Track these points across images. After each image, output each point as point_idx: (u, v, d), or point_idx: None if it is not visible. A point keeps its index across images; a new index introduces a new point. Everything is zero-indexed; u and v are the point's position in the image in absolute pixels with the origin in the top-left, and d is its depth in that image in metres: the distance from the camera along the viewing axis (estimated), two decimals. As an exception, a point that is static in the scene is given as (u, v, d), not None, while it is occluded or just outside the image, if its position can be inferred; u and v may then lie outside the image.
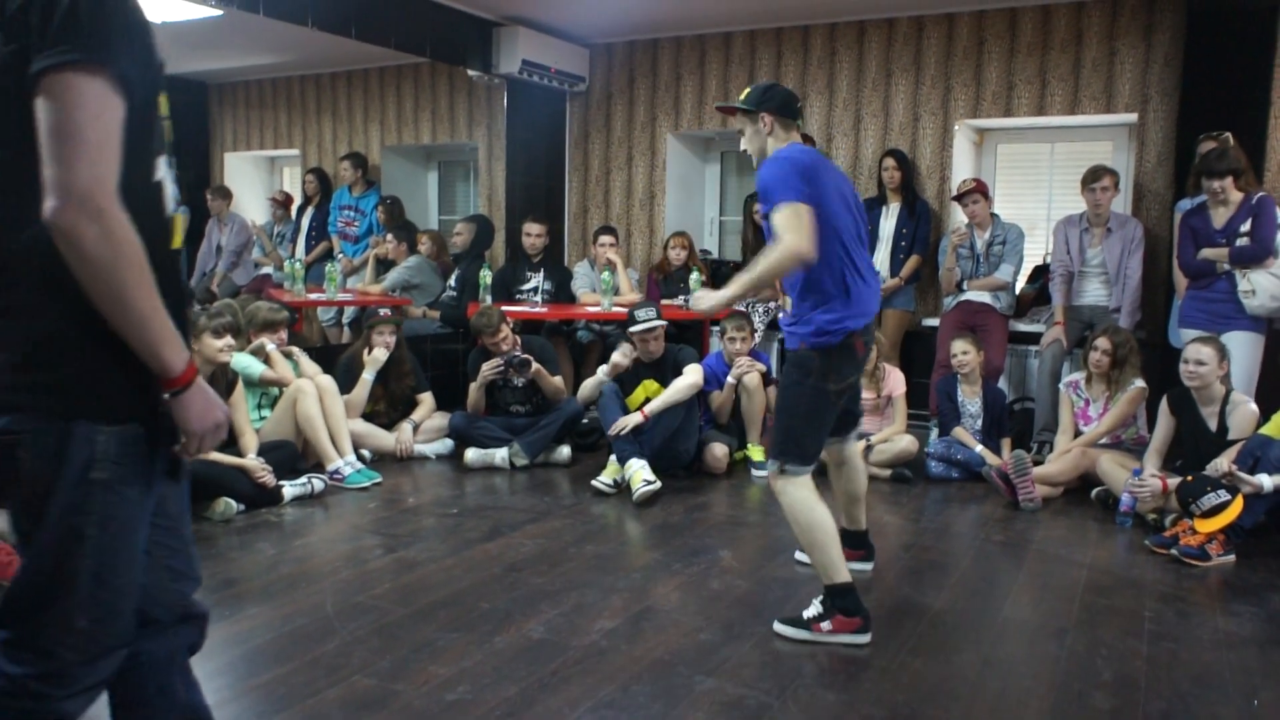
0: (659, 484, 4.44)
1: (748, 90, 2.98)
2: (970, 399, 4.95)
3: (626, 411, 4.74)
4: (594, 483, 4.55)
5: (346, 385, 4.93)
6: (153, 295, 1.37)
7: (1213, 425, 4.11)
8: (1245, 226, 4.43)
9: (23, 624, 1.43)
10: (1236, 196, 4.46)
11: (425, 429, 5.22)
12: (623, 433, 4.58)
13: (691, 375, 4.76)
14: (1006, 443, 4.90)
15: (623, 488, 4.49)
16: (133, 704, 1.61)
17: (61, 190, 1.27)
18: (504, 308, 5.34)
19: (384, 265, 6.78)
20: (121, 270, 1.33)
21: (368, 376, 5.01)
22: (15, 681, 1.42)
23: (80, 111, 1.27)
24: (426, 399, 5.27)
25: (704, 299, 3.04)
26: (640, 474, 4.45)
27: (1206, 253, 4.52)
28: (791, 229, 2.71)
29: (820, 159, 2.97)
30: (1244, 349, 4.44)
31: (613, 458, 4.61)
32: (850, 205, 2.97)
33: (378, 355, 5.02)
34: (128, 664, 1.53)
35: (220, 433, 1.51)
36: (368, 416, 5.08)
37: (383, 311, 5.28)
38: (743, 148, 3.03)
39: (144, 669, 1.58)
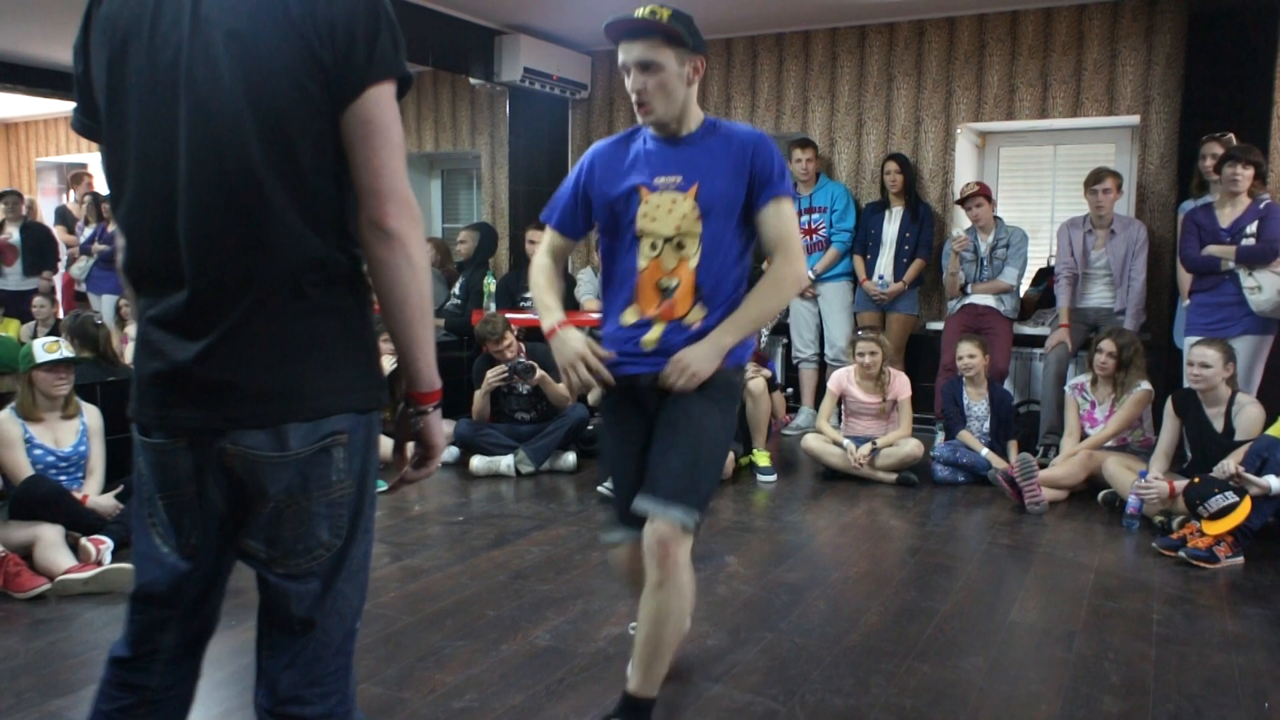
0: None
1: (665, 11, 2.16)
2: (976, 401, 4.94)
3: None
4: (599, 489, 4.55)
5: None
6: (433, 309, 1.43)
7: (1219, 426, 4.10)
8: (1251, 228, 4.42)
9: (316, 657, 1.43)
10: (1246, 200, 4.46)
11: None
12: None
13: None
14: (1014, 445, 4.89)
15: None
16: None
17: (390, 196, 1.33)
18: (508, 315, 5.35)
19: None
20: (427, 276, 1.39)
21: None
22: (324, 717, 1.45)
23: (398, 123, 1.35)
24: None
25: (699, 359, 2.16)
26: None
27: (1212, 249, 4.51)
28: (799, 246, 2.24)
29: None
30: (1249, 352, 4.45)
31: None
32: None
33: (384, 364, 5.02)
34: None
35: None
36: None
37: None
38: (635, 91, 2.18)
39: None
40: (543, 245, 2.44)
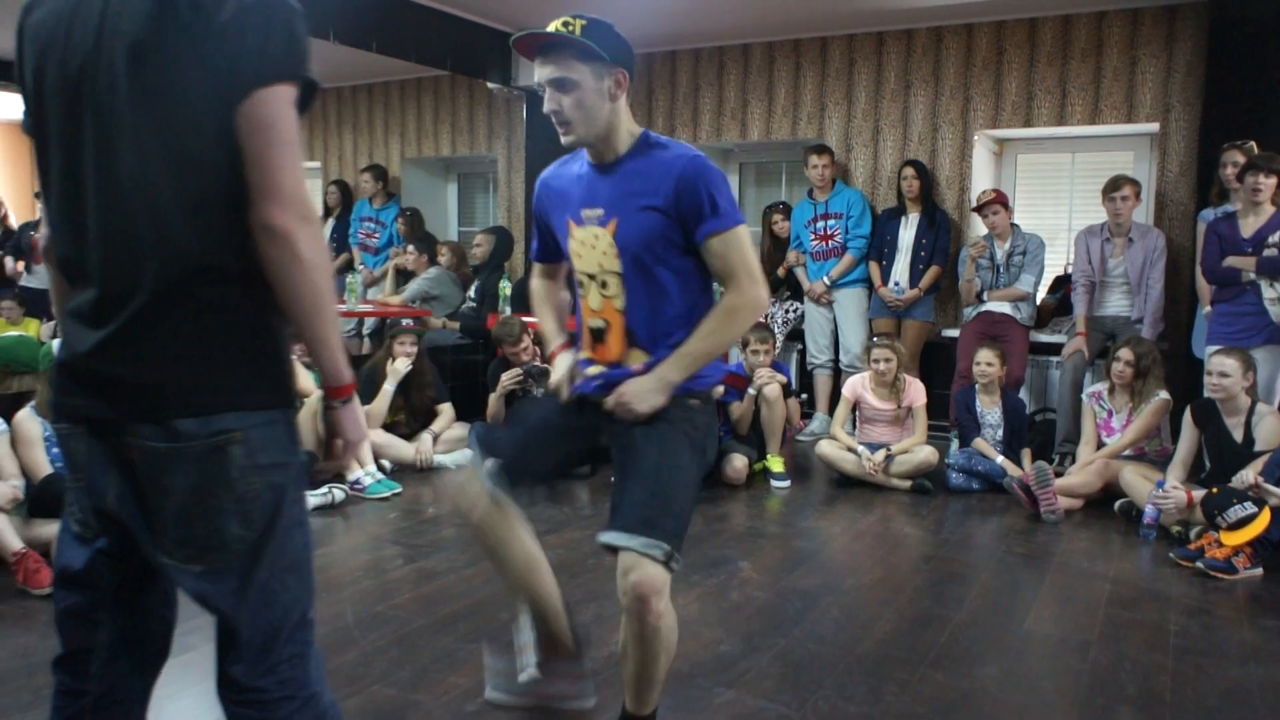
0: None
1: (579, 22, 1.98)
2: (989, 409, 4.92)
3: None
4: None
5: (368, 395, 4.95)
6: (335, 302, 1.44)
7: (1238, 437, 4.07)
8: (1274, 238, 4.39)
9: (259, 644, 1.46)
10: (1270, 208, 4.43)
11: (445, 439, 5.24)
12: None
13: None
14: (1027, 453, 4.87)
15: None
16: None
17: (277, 193, 1.35)
18: (524, 319, 5.36)
19: (404, 276, 6.83)
20: (323, 272, 1.40)
21: (389, 387, 5.03)
22: (286, 700, 1.48)
23: (291, 123, 1.37)
24: (446, 409, 5.29)
25: (639, 395, 2.02)
26: None
27: (1232, 260, 4.48)
28: (758, 271, 2.03)
29: None
30: (1271, 362, 4.40)
31: None
32: None
33: (399, 366, 5.04)
34: None
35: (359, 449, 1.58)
36: (388, 427, 5.10)
37: (405, 322, 5.32)
38: (550, 111, 2.08)
39: None
40: (535, 270, 2.39)
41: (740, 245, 2.01)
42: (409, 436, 5.16)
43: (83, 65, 1.38)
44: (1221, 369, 4.03)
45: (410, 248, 6.66)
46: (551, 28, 1.97)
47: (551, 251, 2.28)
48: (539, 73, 2.04)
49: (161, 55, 1.34)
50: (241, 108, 1.35)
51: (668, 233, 2.01)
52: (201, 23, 1.33)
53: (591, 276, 2.09)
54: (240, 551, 1.42)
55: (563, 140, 2.09)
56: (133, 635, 1.54)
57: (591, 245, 2.07)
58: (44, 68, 1.43)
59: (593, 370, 2.14)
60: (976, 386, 4.94)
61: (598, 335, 2.12)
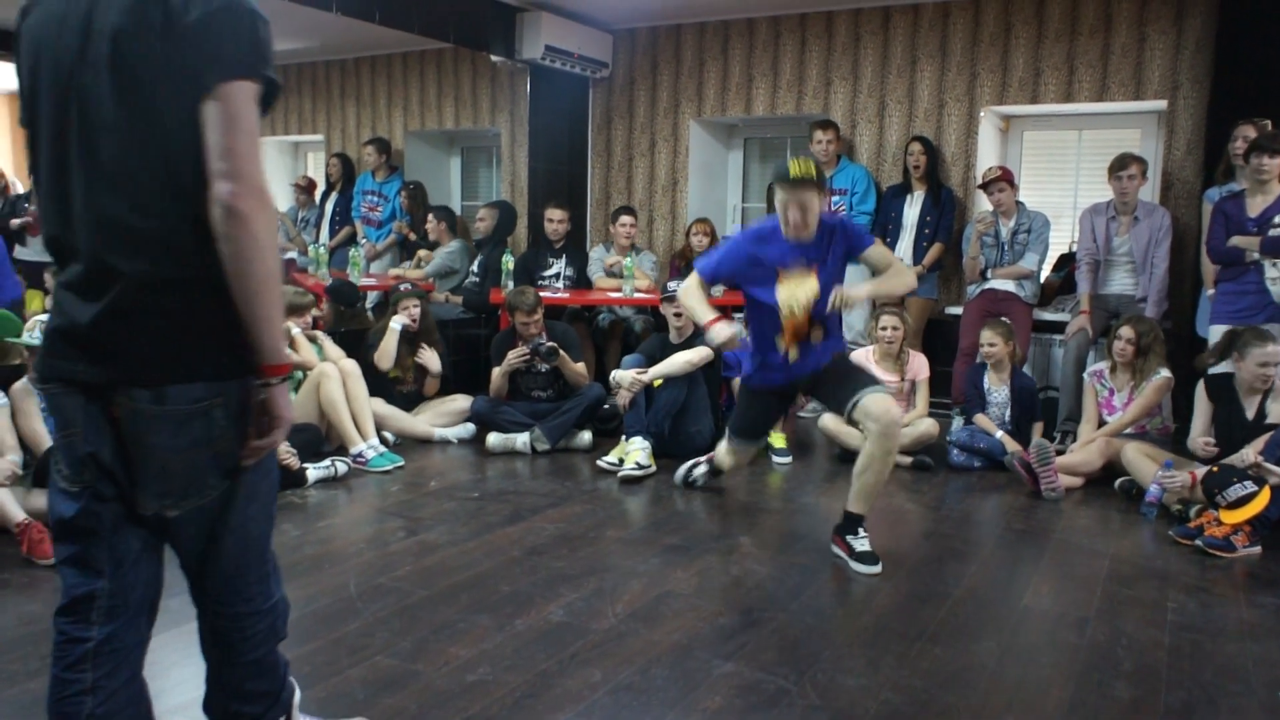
0: (652, 469, 4.53)
1: (811, 165, 3.35)
2: (997, 388, 4.92)
3: (648, 401, 4.79)
4: (599, 461, 4.61)
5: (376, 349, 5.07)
6: (280, 285, 1.58)
7: (1250, 415, 4.05)
8: (1279, 218, 4.37)
9: (234, 573, 1.72)
10: (1277, 187, 4.40)
11: (448, 412, 5.25)
12: (622, 388, 4.73)
13: (694, 353, 4.77)
14: (1038, 428, 4.87)
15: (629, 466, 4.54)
16: None
17: (238, 177, 1.47)
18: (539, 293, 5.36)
19: (408, 249, 6.81)
20: (273, 254, 1.52)
21: (395, 325, 5.07)
22: (250, 615, 1.76)
23: (252, 116, 1.50)
24: (435, 378, 5.31)
25: (854, 292, 3.39)
26: (636, 455, 4.50)
27: (1237, 240, 4.46)
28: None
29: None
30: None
31: (623, 437, 4.67)
32: None
33: (399, 318, 5.09)
34: None
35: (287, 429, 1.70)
36: (393, 380, 5.14)
37: (403, 286, 5.33)
38: (793, 221, 3.35)
39: None
40: (696, 279, 3.63)
41: (885, 249, 3.67)
42: (412, 396, 5.21)
43: (72, 62, 1.51)
44: (1276, 359, 3.94)
45: (430, 218, 6.61)
46: (798, 172, 3.30)
47: (721, 279, 3.73)
48: (789, 195, 3.34)
49: (138, 52, 1.47)
50: (207, 101, 1.47)
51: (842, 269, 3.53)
52: (171, 23, 1.46)
53: (793, 298, 3.41)
54: (215, 497, 1.62)
55: (791, 236, 3.42)
56: (130, 584, 1.66)
57: (800, 282, 3.41)
58: (38, 65, 1.56)
59: (794, 355, 3.49)
60: (988, 364, 4.94)
61: (797, 330, 3.45)
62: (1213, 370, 4.22)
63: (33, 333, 3.57)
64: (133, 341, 1.52)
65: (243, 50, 1.50)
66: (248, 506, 1.68)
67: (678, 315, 4.93)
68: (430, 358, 5.22)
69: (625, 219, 6.20)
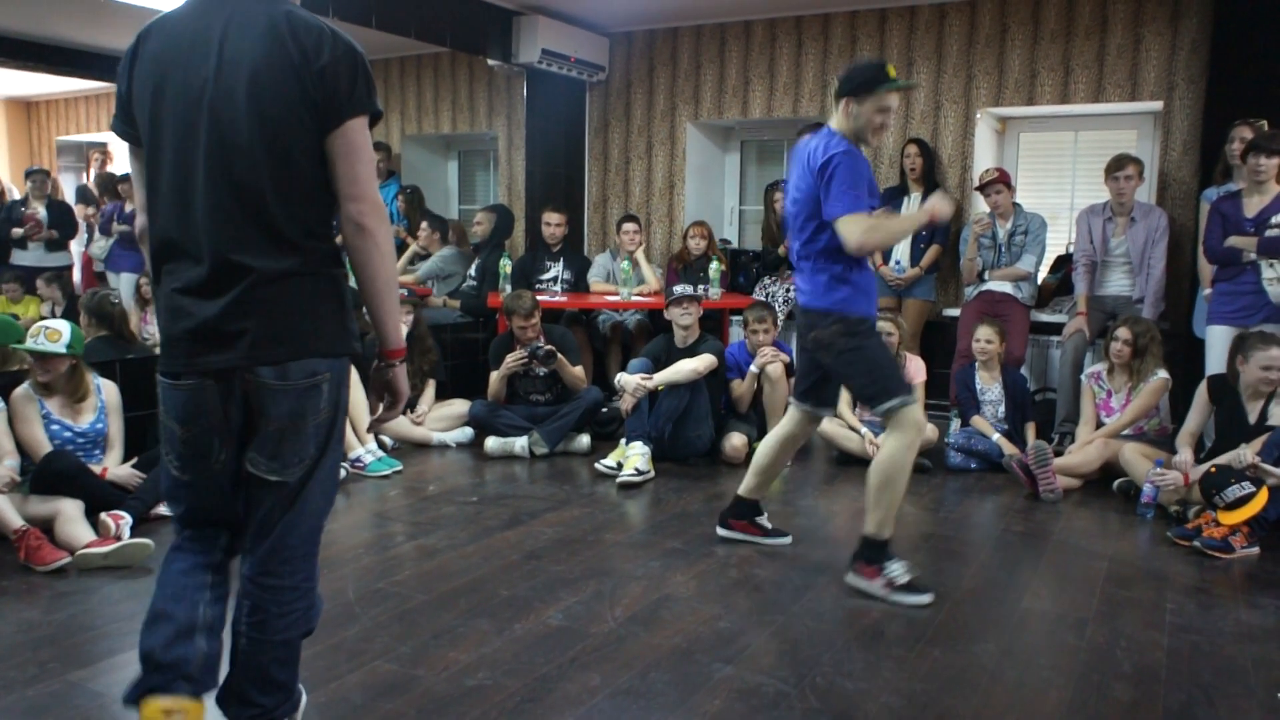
0: (651, 475, 4.53)
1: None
2: (989, 386, 4.92)
3: (651, 402, 4.79)
4: (598, 465, 4.61)
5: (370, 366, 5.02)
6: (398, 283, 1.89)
7: (1252, 418, 4.05)
8: (1277, 218, 4.37)
9: (290, 544, 1.89)
10: (1274, 188, 4.41)
11: (446, 416, 5.25)
12: (626, 393, 4.71)
13: (699, 361, 4.78)
14: (1031, 427, 4.87)
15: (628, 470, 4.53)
16: None
17: (363, 199, 1.77)
18: (536, 296, 5.36)
19: (414, 256, 6.82)
20: (393, 260, 1.83)
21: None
22: (291, 590, 1.90)
23: (369, 145, 1.80)
24: (430, 386, 5.30)
25: (940, 204, 3.07)
26: (635, 459, 4.50)
27: (1234, 240, 4.46)
28: None
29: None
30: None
31: (623, 441, 4.66)
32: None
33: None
34: None
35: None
36: None
37: (400, 293, 5.34)
38: (886, 125, 3.10)
39: None
40: (861, 217, 3.02)
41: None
42: (408, 402, 5.20)
43: (202, 86, 1.75)
44: (1277, 363, 3.94)
45: (424, 225, 6.63)
46: (895, 72, 3.05)
47: (872, 196, 3.13)
48: (888, 101, 3.05)
49: (274, 86, 1.73)
50: (334, 134, 1.76)
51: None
52: (306, 65, 1.73)
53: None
54: (308, 468, 1.86)
55: (876, 141, 3.12)
56: (240, 526, 1.95)
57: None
58: (163, 87, 1.79)
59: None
60: (976, 364, 4.94)
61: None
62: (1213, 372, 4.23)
63: (37, 339, 3.57)
64: (258, 326, 1.77)
65: (361, 91, 1.77)
66: (314, 479, 1.87)
67: (685, 318, 4.93)
68: (425, 396, 5.28)
69: (629, 226, 6.20)
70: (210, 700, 1.92)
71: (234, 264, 1.75)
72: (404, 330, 5.01)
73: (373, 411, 1.99)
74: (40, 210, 6.97)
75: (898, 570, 3.10)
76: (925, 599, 3.05)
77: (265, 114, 1.73)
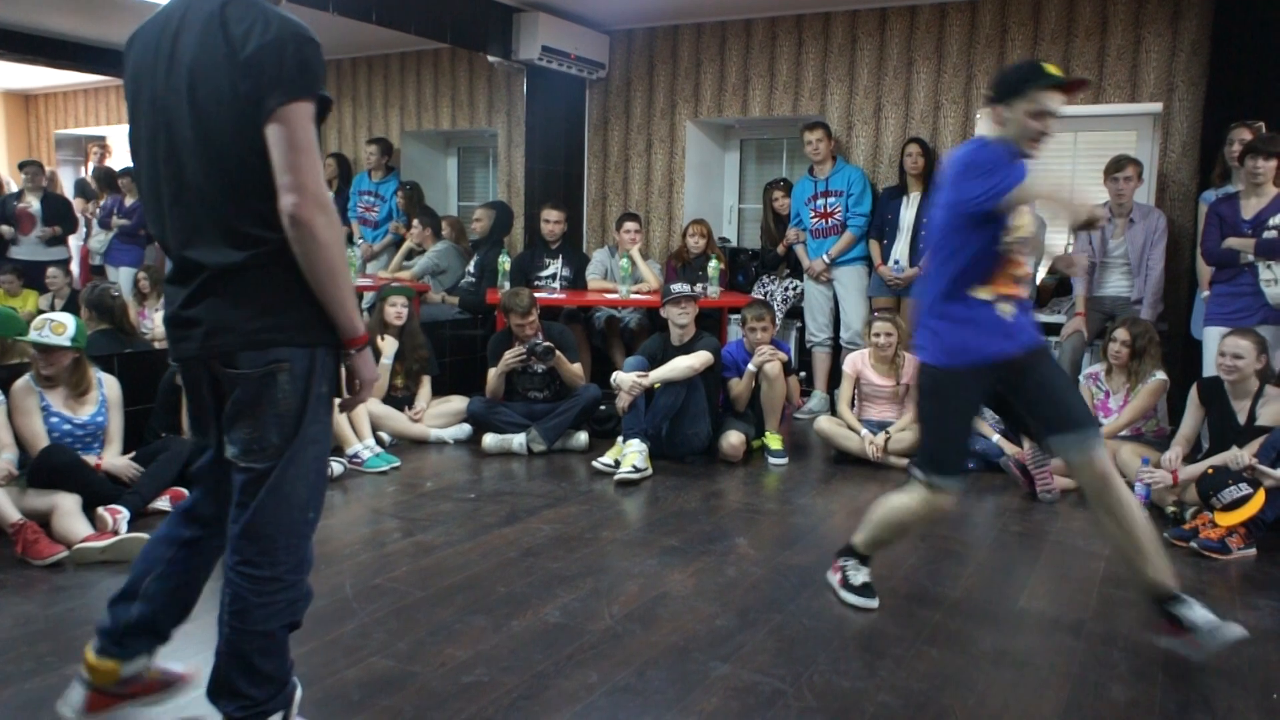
0: (648, 472, 4.52)
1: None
2: (989, 389, 4.92)
3: (648, 398, 4.79)
4: (595, 462, 4.61)
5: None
6: (349, 272, 1.90)
7: (1242, 419, 4.06)
8: (1274, 220, 4.38)
9: (266, 533, 1.89)
10: (1272, 190, 4.41)
11: (443, 413, 5.25)
12: (623, 390, 4.69)
13: (695, 358, 4.77)
14: None
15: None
16: None
17: (300, 190, 1.73)
18: (533, 293, 5.36)
19: (410, 252, 6.81)
20: (337, 250, 1.80)
21: (385, 361, 5.05)
22: (272, 580, 1.90)
23: (308, 132, 1.75)
24: (425, 383, 5.30)
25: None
26: (633, 458, 4.49)
27: (1231, 242, 4.47)
28: None
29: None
30: (1268, 341, 4.40)
31: (620, 438, 4.66)
32: None
33: (389, 346, 5.07)
34: None
35: (373, 387, 2.04)
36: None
37: (393, 283, 5.34)
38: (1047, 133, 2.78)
39: None
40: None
41: None
42: (404, 398, 5.20)
43: (162, 90, 1.81)
44: (1235, 350, 3.99)
45: (415, 223, 6.63)
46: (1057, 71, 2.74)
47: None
48: (1051, 104, 2.74)
49: (207, 83, 1.75)
50: (267, 124, 1.73)
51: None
52: (233, 55, 1.72)
53: (1023, 226, 2.70)
54: (273, 457, 1.86)
55: (1035, 151, 2.77)
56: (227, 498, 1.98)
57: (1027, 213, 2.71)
58: (139, 91, 1.87)
59: (1009, 311, 2.70)
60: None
61: (1016, 275, 2.73)
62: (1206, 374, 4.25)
63: (41, 331, 3.57)
64: (209, 318, 1.83)
65: (290, 75, 1.72)
66: (287, 468, 1.87)
67: (682, 317, 4.93)
68: (422, 394, 5.28)
69: (630, 225, 6.19)
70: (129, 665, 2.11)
71: (189, 260, 1.84)
72: (394, 344, 5.06)
73: (342, 395, 2.01)
74: (34, 203, 6.94)
75: (855, 571, 3.07)
76: (871, 604, 3.00)
77: (202, 111, 1.76)
